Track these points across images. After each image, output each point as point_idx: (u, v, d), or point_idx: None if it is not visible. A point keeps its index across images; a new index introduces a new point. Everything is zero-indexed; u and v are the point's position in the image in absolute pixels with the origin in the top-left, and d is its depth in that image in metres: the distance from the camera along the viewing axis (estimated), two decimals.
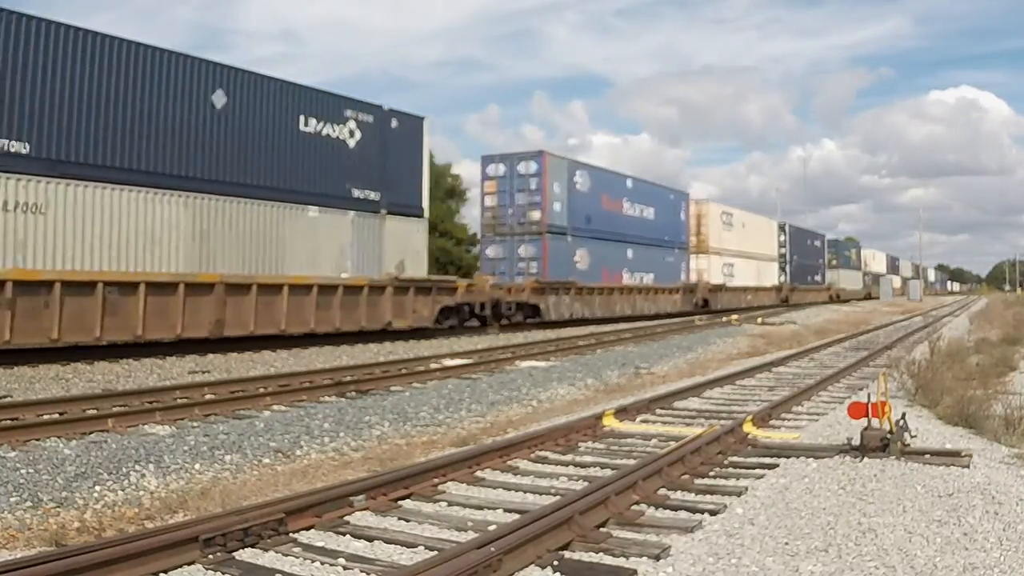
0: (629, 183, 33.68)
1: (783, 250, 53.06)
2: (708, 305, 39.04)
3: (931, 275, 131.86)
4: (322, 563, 4.66)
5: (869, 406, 7.05)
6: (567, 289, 28.15)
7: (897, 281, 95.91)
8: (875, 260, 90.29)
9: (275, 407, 10.15)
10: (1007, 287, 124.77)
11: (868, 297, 75.49)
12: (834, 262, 67.82)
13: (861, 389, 11.60)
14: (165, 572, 4.44)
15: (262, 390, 11.03)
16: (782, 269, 52.53)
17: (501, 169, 28.54)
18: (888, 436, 6.99)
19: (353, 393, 11.34)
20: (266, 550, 4.86)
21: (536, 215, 27.75)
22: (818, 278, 61.87)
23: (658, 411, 10.27)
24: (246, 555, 4.78)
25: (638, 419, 9.62)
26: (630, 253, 32.84)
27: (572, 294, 28.38)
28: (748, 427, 8.47)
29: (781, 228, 54.06)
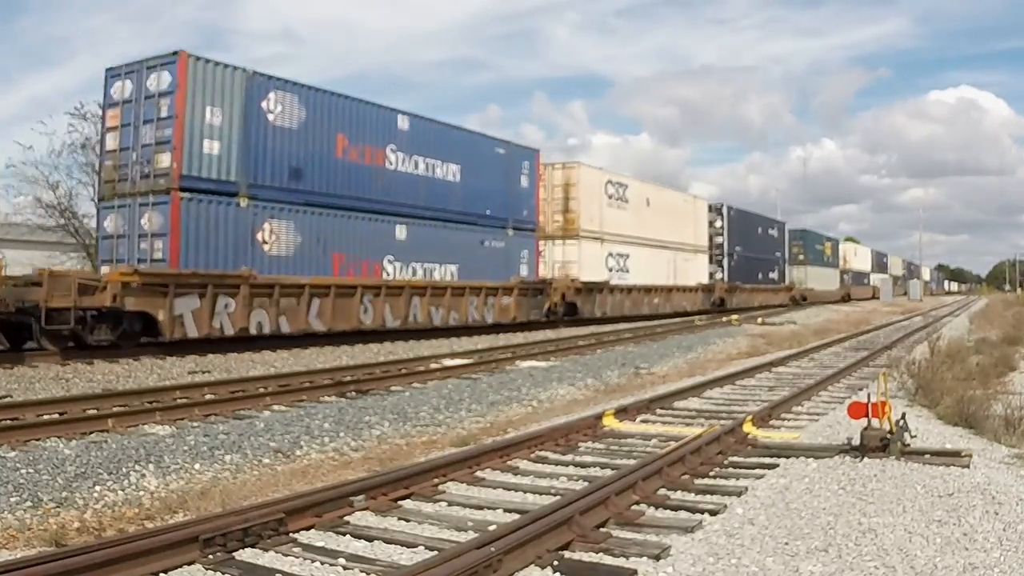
0: (402, 121, 20.88)
1: (720, 239, 42.53)
2: (576, 312, 27.50)
3: (926, 274, 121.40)
4: (322, 563, 4.66)
5: (869, 406, 7.05)
6: (231, 285, 16.14)
7: (886, 279, 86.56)
8: (857, 256, 77.43)
9: (275, 407, 10.15)
10: (1007, 287, 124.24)
11: (846, 299, 64.32)
12: (801, 257, 56.96)
13: (861, 389, 11.60)
14: (165, 572, 4.44)
15: (262, 390, 11.03)
16: (717, 263, 42.31)
17: (128, 89, 16.47)
18: (888, 436, 6.99)
19: (353, 393, 11.34)
20: (266, 550, 4.86)
21: (165, 161, 15.81)
22: (774, 275, 51.09)
23: (658, 411, 10.26)
24: (246, 555, 4.78)
25: (638, 419, 9.62)
26: (402, 232, 20.60)
27: (242, 295, 16.24)
28: (748, 427, 8.47)
29: (716, 210, 42.86)
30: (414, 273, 21.10)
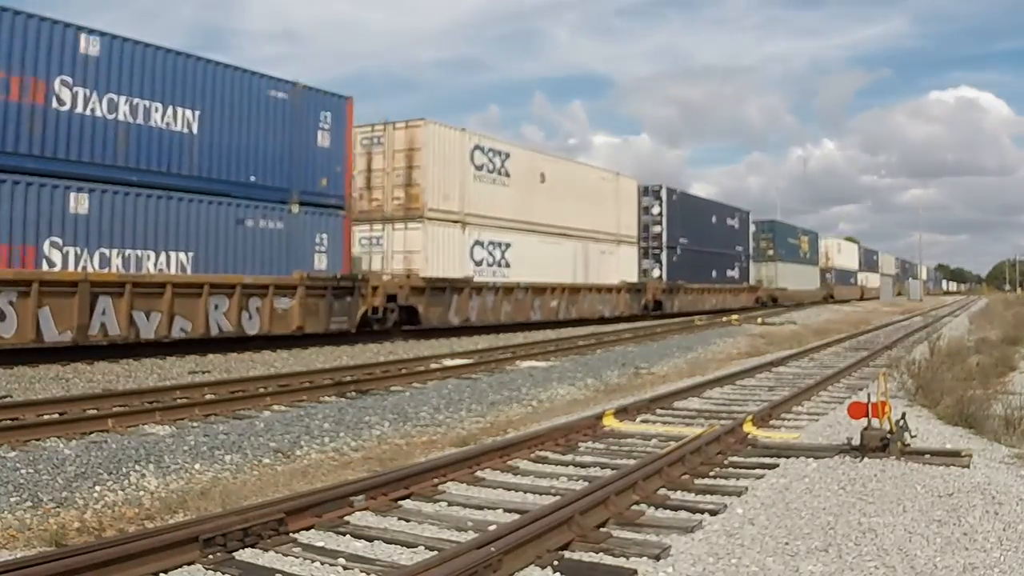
0: (88, 44, 14.17)
1: (658, 228, 34.82)
2: (417, 318, 21.04)
3: (923, 273, 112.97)
4: (322, 563, 4.66)
5: (869, 406, 7.05)
6: None
7: (875, 279, 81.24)
8: (841, 253, 69.32)
9: (275, 407, 10.15)
10: (1007, 287, 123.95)
11: (828, 300, 58.49)
12: (770, 252, 49.82)
13: (861, 389, 11.60)
14: (165, 572, 4.44)
15: (262, 390, 11.03)
16: (655, 258, 34.80)
17: None
18: (888, 436, 6.99)
19: (353, 393, 11.34)
20: (266, 550, 4.86)
21: None
22: (734, 273, 43.13)
23: (658, 411, 10.26)
24: (246, 555, 4.78)
25: (638, 419, 9.62)
26: (81, 203, 13.99)
27: None
28: (748, 427, 8.47)
29: (653, 193, 34.83)
30: (105, 264, 14.30)
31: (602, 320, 29.44)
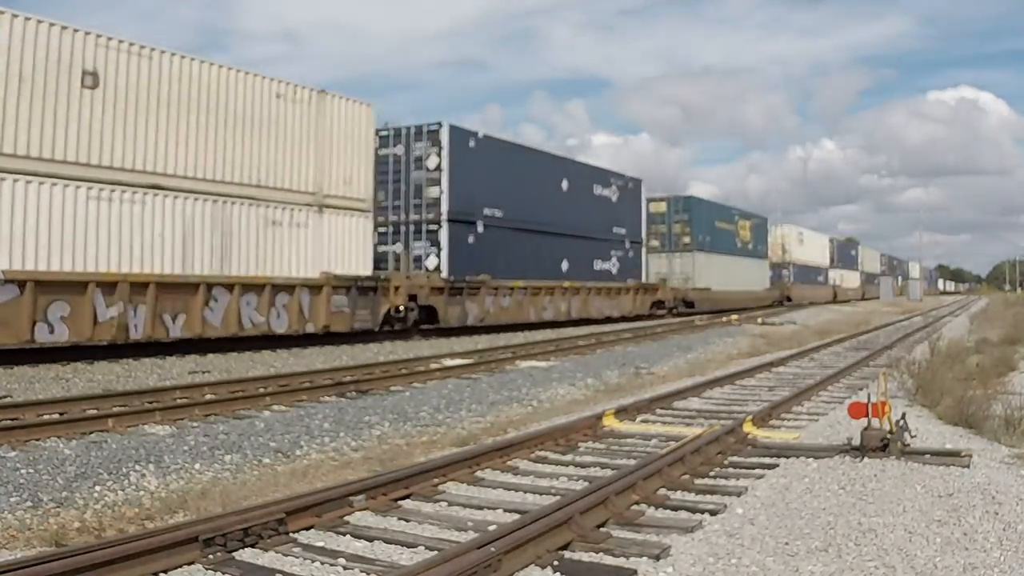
0: None
1: (434, 191, 22.33)
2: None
3: (915, 270, 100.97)
4: (322, 563, 4.66)
5: (869, 406, 7.05)
6: None
7: (853, 278, 70.34)
8: (804, 245, 55.68)
9: (275, 407, 10.14)
10: (1007, 287, 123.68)
11: (782, 303, 48.03)
12: (686, 240, 37.29)
13: (861, 389, 11.60)
14: (165, 572, 4.44)
15: (262, 390, 11.03)
16: (431, 239, 22.44)
17: None
18: (888, 436, 6.99)
19: (353, 393, 11.34)
20: (266, 550, 4.86)
21: None
22: (608, 265, 30.62)
23: (658, 411, 10.26)
24: (246, 555, 4.78)
25: (638, 419, 9.62)
26: None
27: None
28: (748, 427, 8.48)
29: (430, 137, 22.27)
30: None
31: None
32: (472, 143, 23.12)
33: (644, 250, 34.32)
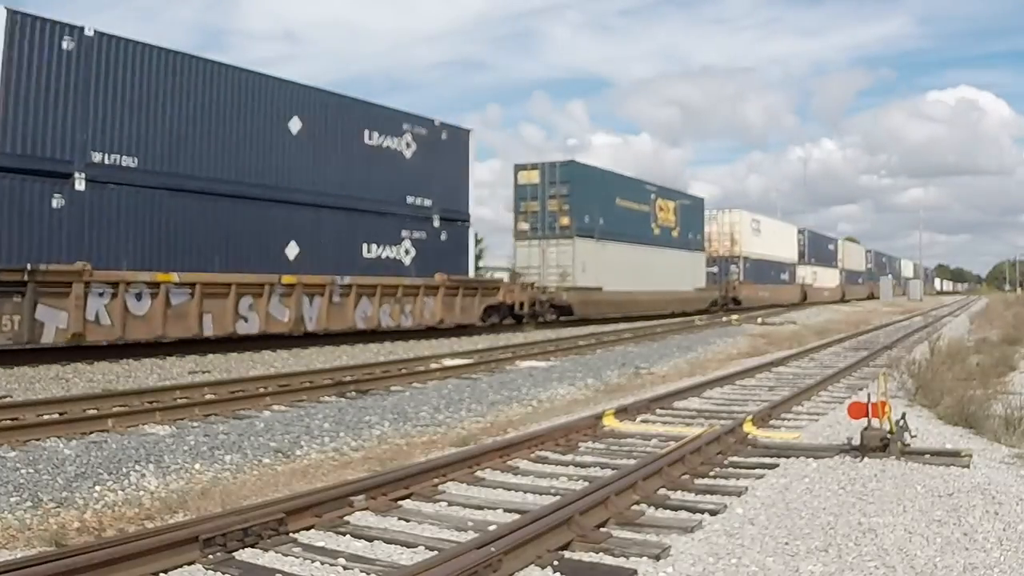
0: None
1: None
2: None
3: (908, 269, 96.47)
4: (322, 563, 4.66)
5: (869, 406, 7.04)
6: None
7: (830, 277, 60.87)
8: (761, 236, 45.77)
9: (275, 407, 10.14)
10: (1007, 287, 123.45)
11: (727, 306, 39.52)
12: (564, 221, 27.84)
13: (861, 389, 11.60)
14: (165, 572, 4.44)
15: (262, 390, 11.03)
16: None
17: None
18: (888, 436, 6.99)
19: (353, 393, 11.34)
20: (266, 550, 4.86)
21: None
22: (394, 252, 20.84)
23: (658, 411, 10.26)
24: (246, 555, 4.78)
25: (638, 419, 9.62)
26: None
27: None
28: (748, 427, 8.47)
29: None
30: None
31: None
32: (68, 44, 14.31)
33: (472, 231, 24.02)
